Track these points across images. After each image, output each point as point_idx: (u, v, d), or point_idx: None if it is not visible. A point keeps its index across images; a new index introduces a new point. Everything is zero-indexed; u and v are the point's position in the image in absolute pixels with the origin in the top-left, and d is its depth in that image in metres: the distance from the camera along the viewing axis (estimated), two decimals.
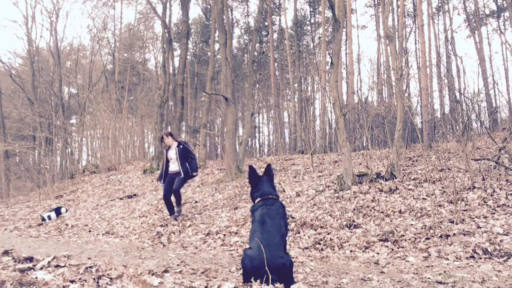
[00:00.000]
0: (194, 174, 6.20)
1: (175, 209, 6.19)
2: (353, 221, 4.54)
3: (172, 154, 6.15)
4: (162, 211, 6.93)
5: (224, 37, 10.50)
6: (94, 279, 1.94)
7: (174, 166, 6.12)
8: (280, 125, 20.77)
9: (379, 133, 11.25)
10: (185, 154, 6.09)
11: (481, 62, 17.70)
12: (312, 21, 25.16)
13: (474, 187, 4.98)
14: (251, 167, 2.84)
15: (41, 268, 2.04)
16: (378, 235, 4.03)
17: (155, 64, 27.70)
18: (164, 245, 4.61)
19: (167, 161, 6.17)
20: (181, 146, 6.13)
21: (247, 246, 2.54)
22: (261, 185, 2.77)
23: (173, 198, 6.18)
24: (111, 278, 2.02)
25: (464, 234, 3.73)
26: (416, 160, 8.00)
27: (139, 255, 3.69)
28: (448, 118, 13.60)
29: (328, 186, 6.43)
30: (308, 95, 22.90)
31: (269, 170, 2.88)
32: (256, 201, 2.74)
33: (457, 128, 10.19)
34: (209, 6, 21.78)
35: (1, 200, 15.17)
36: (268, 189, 2.75)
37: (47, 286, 1.74)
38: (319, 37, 23.35)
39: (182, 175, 6.02)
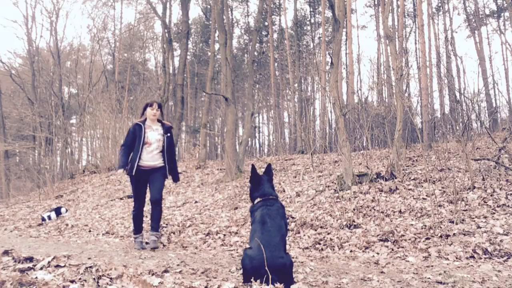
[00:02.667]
0: (175, 182, 4.43)
1: (151, 234, 4.21)
2: (353, 221, 4.54)
3: (153, 138, 4.16)
4: (162, 210, 6.92)
5: (224, 37, 10.50)
6: (94, 279, 1.94)
7: (153, 158, 4.16)
8: (280, 125, 20.78)
9: (379, 133, 11.25)
10: (172, 148, 4.33)
11: (481, 62, 17.70)
12: (312, 21, 25.17)
13: (474, 187, 4.98)
14: (253, 166, 2.86)
15: (41, 268, 2.04)
16: (378, 235, 4.03)
17: (155, 64, 27.73)
18: (164, 245, 4.61)
19: (143, 145, 4.10)
20: (168, 134, 4.29)
21: (247, 246, 2.55)
22: (261, 185, 2.79)
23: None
24: (111, 278, 2.02)
25: (464, 234, 3.73)
26: (416, 160, 8.00)
27: (139, 255, 3.69)
28: (448, 118, 13.60)
29: (328, 186, 6.43)
30: (308, 95, 22.91)
31: (269, 170, 2.91)
32: (256, 201, 2.74)
33: (457, 128, 10.19)
34: (209, 6, 21.80)
35: (1, 200, 15.18)
36: (268, 189, 2.77)
37: (47, 286, 1.74)
38: (319, 37, 23.35)
39: (166, 175, 4.26)
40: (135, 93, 23.42)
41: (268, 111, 26.74)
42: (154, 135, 4.20)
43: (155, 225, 4.23)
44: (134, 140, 4.15)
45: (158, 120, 4.34)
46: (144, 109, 4.29)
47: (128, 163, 4.13)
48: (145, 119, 4.26)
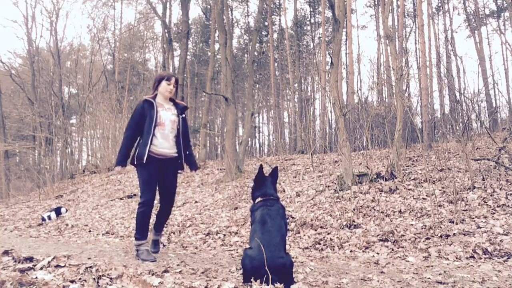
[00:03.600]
0: (194, 170, 3.61)
1: (153, 239, 3.65)
2: (353, 221, 4.54)
3: (167, 118, 3.40)
4: None
5: (224, 37, 10.50)
6: (94, 279, 1.94)
7: (169, 145, 3.41)
8: (280, 125, 20.78)
9: (379, 133, 11.25)
10: (187, 132, 3.59)
11: (481, 62, 17.70)
12: (312, 21, 25.16)
13: (474, 187, 4.98)
14: (261, 166, 2.91)
15: (41, 268, 2.04)
16: (378, 235, 4.03)
17: (155, 64, 27.73)
18: (164, 245, 4.60)
19: (155, 126, 3.32)
20: (183, 115, 3.57)
21: (247, 246, 2.55)
22: (264, 185, 2.82)
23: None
24: (111, 278, 2.02)
25: (464, 234, 3.73)
26: (416, 160, 8.01)
27: None
28: (448, 118, 13.59)
29: (328, 186, 6.43)
30: (308, 95, 22.91)
31: (275, 172, 2.96)
32: (257, 200, 2.76)
33: (457, 128, 10.19)
34: (209, 6, 21.80)
35: (1, 200, 15.18)
36: (270, 190, 2.81)
37: (47, 286, 1.74)
38: (319, 37, 23.35)
39: (181, 167, 3.52)
40: (135, 93, 23.42)
41: (268, 111, 26.75)
42: (167, 115, 3.41)
43: (160, 227, 3.68)
44: (141, 122, 3.35)
45: (171, 99, 3.57)
46: (158, 82, 3.47)
47: (136, 149, 3.36)
48: (155, 95, 3.48)
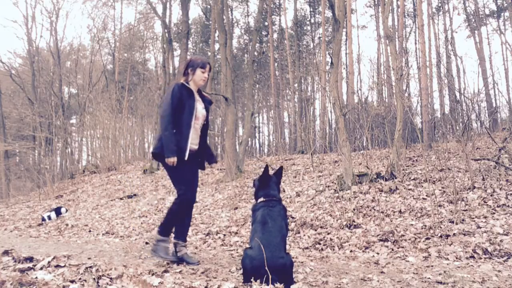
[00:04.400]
0: (214, 162, 3.43)
1: (183, 246, 3.12)
2: (353, 221, 4.54)
3: (200, 112, 3.15)
4: (162, 211, 6.93)
5: (224, 37, 10.51)
6: (94, 279, 1.94)
7: (197, 141, 3.19)
8: (280, 125, 20.77)
9: (379, 133, 11.25)
10: (208, 125, 3.32)
11: (481, 62, 17.70)
12: (312, 21, 25.16)
13: (474, 187, 4.98)
14: (267, 166, 2.92)
15: (41, 268, 2.04)
16: (378, 235, 4.03)
17: (155, 64, 27.70)
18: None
19: (194, 118, 3.05)
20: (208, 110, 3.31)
21: (247, 246, 2.55)
22: (268, 185, 2.83)
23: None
24: (111, 278, 2.02)
25: (464, 234, 3.73)
26: (416, 160, 8.01)
27: (139, 255, 3.69)
28: (448, 118, 13.58)
29: (328, 186, 6.43)
30: (308, 95, 22.90)
31: (279, 172, 2.97)
32: (259, 200, 2.76)
33: (457, 128, 10.19)
34: (209, 6, 21.80)
35: (1, 200, 15.18)
36: (273, 191, 2.81)
37: (47, 286, 1.74)
38: (319, 37, 23.35)
39: (204, 166, 3.35)
40: (135, 93, 23.43)
41: (268, 111, 26.74)
42: (200, 107, 3.15)
43: (186, 233, 3.19)
44: (179, 109, 3.00)
45: (202, 92, 3.26)
46: (193, 69, 3.12)
47: (173, 142, 2.95)
48: (187, 82, 3.13)
